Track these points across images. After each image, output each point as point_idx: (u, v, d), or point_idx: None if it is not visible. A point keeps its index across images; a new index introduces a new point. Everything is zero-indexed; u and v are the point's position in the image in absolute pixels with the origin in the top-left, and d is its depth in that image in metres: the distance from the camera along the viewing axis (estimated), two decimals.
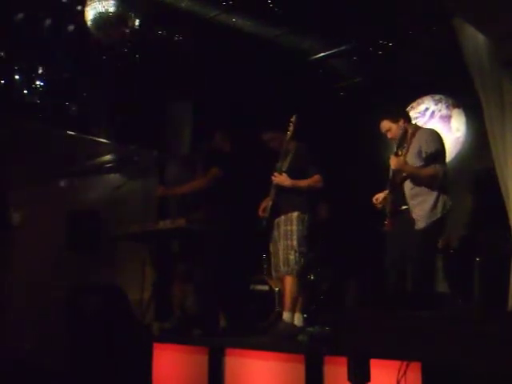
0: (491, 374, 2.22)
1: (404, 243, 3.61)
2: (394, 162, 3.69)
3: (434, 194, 3.59)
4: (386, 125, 3.86)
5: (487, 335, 2.25)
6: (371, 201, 3.97)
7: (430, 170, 3.61)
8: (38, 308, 5.00)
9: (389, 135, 3.86)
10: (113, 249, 5.43)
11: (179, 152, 5.72)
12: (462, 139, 5.29)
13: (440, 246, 3.84)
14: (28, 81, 5.00)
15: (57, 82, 5.11)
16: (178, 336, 4.02)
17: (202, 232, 4.13)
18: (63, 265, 5.36)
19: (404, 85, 5.42)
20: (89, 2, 3.75)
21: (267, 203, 4.07)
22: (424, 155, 3.62)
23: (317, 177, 3.93)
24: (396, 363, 2.67)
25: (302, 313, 3.93)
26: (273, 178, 3.98)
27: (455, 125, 5.36)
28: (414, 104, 5.63)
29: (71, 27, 4.36)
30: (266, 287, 4.60)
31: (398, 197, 3.71)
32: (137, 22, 3.97)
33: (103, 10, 3.76)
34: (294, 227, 3.83)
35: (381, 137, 3.96)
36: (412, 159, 3.69)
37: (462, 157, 5.20)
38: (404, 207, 3.68)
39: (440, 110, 5.48)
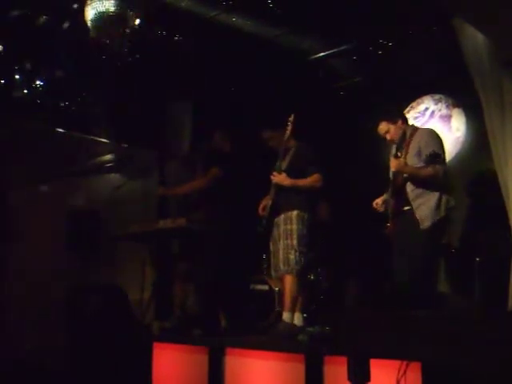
0: (491, 373, 2.22)
1: (409, 243, 3.62)
2: (394, 164, 3.70)
3: (437, 194, 3.61)
4: (384, 127, 3.87)
5: (487, 335, 2.25)
6: (371, 201, 3.97)
7: (430, 170, 3.61)
8: (37, 308, 5.00)
9: (388, 137, 3.87)
10: (113, 249, 5.43)
11: (179, 152, 5.72)
12: (461, 139, 5.29)
13: (444, 243, 3.84)
14: (28, 81, 5.00)
15: (57, 82, 5.11)
16: (178, 335, 4.02)
17: (202, 232, 4.13)
18: (63, 265, 5.36)
19: (404, 84, 5.42)
20: (89, 2, 3.75)
21: (267, 202, 4.07)
22: (424, 155, 3.62)
23: (316, 176, 3.92)
24: (396, 363, 2.67)
25: (302, 312, 3.93)
26: (272, 177, 3.98)
27: (455, 124, 5.36)
28: (413, 104, 5.63)
29: (71, 27, 4.36)
30: (266, 287, 4.60)
31: (400, 198, 3.71)
32: (137, 22, 3.97)
33: (103, 10, 3.75)
34: (294, 226, 3.83)
35: (381, 136, 3.96)
36: (412, 160, 3.69)
37: (461, 157, 5.20)
38: (407, 208, 3.68)
39: (440, 110, 5.48)
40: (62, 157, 5.62)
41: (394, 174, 3.79)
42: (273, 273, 4.10)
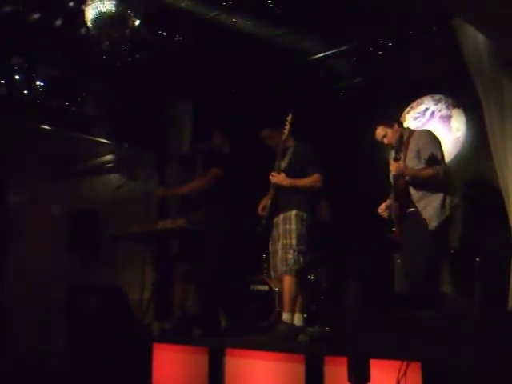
0: (491, 373, 2.22)
1: (415, 244, 3.62)
2: (394, 167, 3.71)
3: (441, 194, 3.63)
4: (381, 131, 3.89)
5: (487, 335, 2.25)
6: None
7: (431, 170, 3.63)
8: (38, 308, 5.00)
9: (385, 141, 3.88)
10: (113, 249, 5.43)
11: (179, 152, 5.72)
12: (462, 139, 5.29)
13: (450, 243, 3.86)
14: (28, 81, 5.00)
15: (57, 82, 5.11)
16: (178, 336, 4.02)
17: (202, 232, 4.13)
18: (63, 265, 5.36)
19: (404, 85, 5.42)
20: (89, 2, 3.75)
21: (266, 202, 4.07)
22: (423, 157, 3.64)
23: (316, 176, 3.92)
24: (396, 363, 2.67)
25: (302, 313, 3.92)
26: (271, 177, 3.98)
27: (455, 125, 5.36)
28: (413, 104, 5.63)
29: (71, 27, 4.36)
30: (266, 287, 4.60)
31: (404, 201, 3.72)
32: (137, 22, 3.97)
33: (104, 10, 3.75)
34: (293, 226, 3.82)
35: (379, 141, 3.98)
36: (411, 162, 3.71)
37: (462, 157, 5.20)
38: (411, 209, 3.69)
39: (440, 110, 5.48)
40: (62, 157, 5.63)
41: (395, 177, 3.80)
42: (272, 273, 4.10)
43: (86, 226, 5.66)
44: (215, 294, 4.30)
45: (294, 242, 3.79)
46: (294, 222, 3.83)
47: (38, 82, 5.03)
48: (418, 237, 3.62)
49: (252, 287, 4.69)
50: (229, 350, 3.58)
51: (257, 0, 4.40)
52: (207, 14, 4.50)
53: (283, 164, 4.02)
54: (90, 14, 3.78)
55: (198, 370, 3.70)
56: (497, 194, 3.94)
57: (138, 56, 4.90)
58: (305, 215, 3.87)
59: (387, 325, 2.72)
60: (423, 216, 3.60)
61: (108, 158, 6.10)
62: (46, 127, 5.24)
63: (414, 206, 3.66)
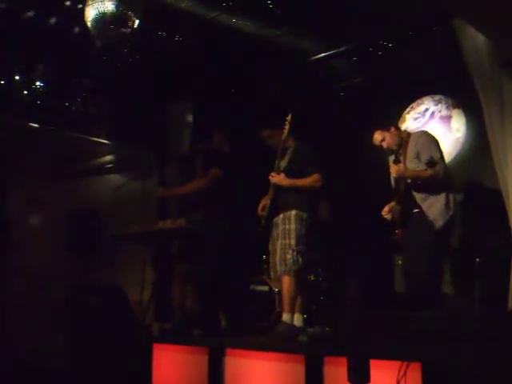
0: (491, 373, 2.22)
1: (419, 244, 3.63)
2: (394, 170, 3.74)
3: (444, 193, 3.65)
4: (379, 136, 3.93)
5: (487, 335, 2.25)
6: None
7: (431, 171, 3.64)
8: (38, 308, 5.00)
9: (384, 145, 3.91)
10: (113, 249, 5.43)
11: (179, 152, 5.72)
12: (461, 139, 5.30)
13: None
14: (28, 81, 5.00)
15: (57, 83, 5.11)
16: (178, 336, 4.02)
17: (202, 232, 4.13)
18: (63, 265, 5.36)
19: (404, 85, 5.42)
20: (90, 2, 3.74)
21: (266, 202, 4.07)
22: (422, 158, 3.67)
23: (316, 176, 3.92)
24: (396, 364, 2.67)
25: (302, 313, 3.92)
26: (270, 177, 3.98)
27: (455, 125, 5.36)
28: (413, 104, 5.63)
29: (71, 27, 4.36)
30: (266, 288, 4.60)
31: (407, 203, 3.73)
32: (137, 23, 3.97)
33: (104, 10, 3.75)
34: (292, 226, 3.82)
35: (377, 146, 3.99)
36: (411, 164, 3.74)
37: (462, 157, 5.20)
38: (415, 210, 3.70)
39: (440, 111, 5.48)
40: (62, 157, 5.63)
41: (396, 179, 3.82)
42: (272, 273, 4.10)
43: (86, 226, 5.65)
44: (215, 294, 4.30)
45: (292, 242, 3.79)
46: (293, 221, 3.83)
47: (38, 83, 5.03)
48: (422, 237, 3.63)
49: (252, 287, 4.69)
50: (229, 351, 3.58)
51: (257, 0, 4.40)
52: (207, 14, 4.50)
53: (283, 164, 4.01)
54: (90, 14, 3.77)
55: (197, 370, 3.70)
56: (497, 194, 3.95)
57: (138, 56, 4.90)
58: (304, 215, 3.87)
59: (387, 325, 2.72)
60: (428, 216, 3.62)
61: (108, 158, 6.10)
62: (46, 127, 5.24)
63: (419, 207, 3.67)
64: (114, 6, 3.77)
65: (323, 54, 5.15)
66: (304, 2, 4.28)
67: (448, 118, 5.42)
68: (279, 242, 3.87)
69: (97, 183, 6.07)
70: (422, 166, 3.65)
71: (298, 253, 3.78)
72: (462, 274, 4.10)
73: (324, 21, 4.50)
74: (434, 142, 3.79)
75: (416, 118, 5.58)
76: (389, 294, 4.64)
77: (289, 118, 3.93)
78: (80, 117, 5.37)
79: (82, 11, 3.85)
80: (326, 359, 3.09)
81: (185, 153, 5.58)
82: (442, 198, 3.64)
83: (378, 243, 4.99)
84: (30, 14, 4.25)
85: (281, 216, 3.92)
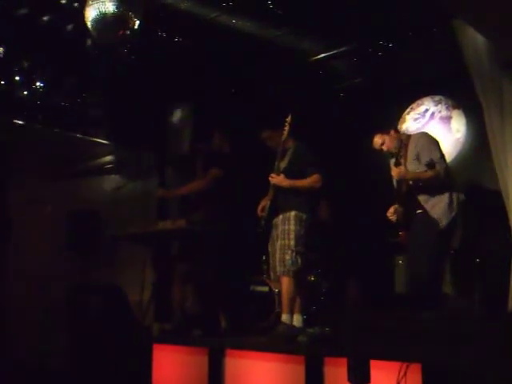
0: (491, 374, 2.22)
1: (422, 244, 3.63)
2: (395, 173, 3.75)
3: (446, 193, 3.67)
4: (378, 139, 3.94)
5: (487, 335, 2.25)
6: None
7: (431, 172, 3.65)
8: (38, 308, 5.00)
9: (384, 148, 3.92)
10: (113, 249, 5.43)
11: (179, 153, 5.72)
12: (462, 140, 5.30)
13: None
14: (28, 82, 5.00)
15: (57, 83, 5.11)
16: (177, 337, 4.02)
17: (201, 233, 4.13)
18: (63, 265, 5.36)
19: (404, 86, 5.43)
20: (90, 2, 3.74)
21: (266, 202, 4.07)
22: (423, 159, 3.68)
23: (316, 176, 3.92)
24: (396, 364, 2.67)
25: (302, 314, 3.91)
26: (270, 178, 3.98)
27: (455, 126, 5.37)
28: (413, 105, 5.63)
29: (71, 27, 4.36)
30: (265, 288, 4.60)
31: (409, 204, 3.74)
32: (137, 23, 3.97)
33: (104, 11, 3.75)
34: (292, 227, 3.82)
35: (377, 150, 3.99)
36: (411, 165, 3.75)
37: (462, 158, 5.20)
38: (419, 211, 3.70)
39: (440, 111, 5.49)
40: (62, 157, 5.63)
41: (398, 182, 3.83)
42: (272, 274, 4.09)
43: (86, 226, 5.66)
44: (215, 294, 4.29)
45: (292, 242, 3.79)
46: (292, 222, 3.83)
47: (38, 84, 5.03)
48: (426, 238, 3.64)
49: (252, 288, 4.69)
50: (229, 351, 3.58)
51: (257, 1, 4.40)
52: (207, 14, 4.50)
53: (283, 165, 4.01)
54: (90, 14, 3.77)
55: (197, 370, 3.70)
56: (497, 194, 3.95)
57: (138, 56, 4.90)
58: (304, 216, 3.87)
59: (387, 325, 2.72)
60: (432, 216, 3.63)
61: (108, 158, 6.10)
62: (46, 128, 5.25)
63: (422, 208, 3.68)
64: (114, 6, 3.76)
65: (323, 55, 5.14)
66: (304, 3, 4.28)
67: (448, 119, 5.42)
68: (279, 242, 3.86)
69: (97, 183, 6.07)
70: (423, 168, 3.66)
71: (297, 253, 3.78)
72: (463, 275, 4.10)
73: (324, 21, 4.50)
74: (434, 143, 3.81)
75: (416, 119, 5.58)
76: (389, 295, 4.64)
77: (288, 119, 3.93)
78: (80, 117, 5.37)
79: (82, 11, 3.84)
80: (326, 360, 3.09)
81: (185, 153, 5.58)
82: (445, 197, 3.65)
83: (378, 243, 5.00)
84: (30, 14, 4.25)
85: (280, 217, 3.92)
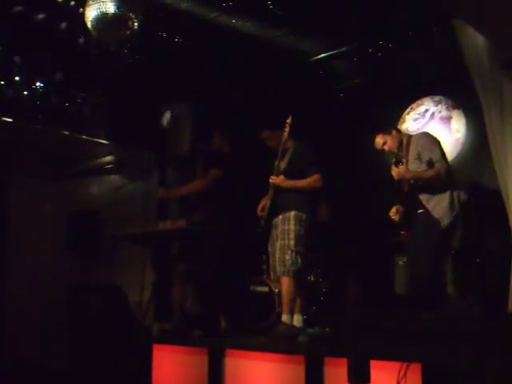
0: (491, 374, 2.22)
1: (424, 244, 3.63)
2: (395, 173, 3.76)
3: (448, 192, 3.67)
4: (380, 139, 3.95)
5: (487, 335, 2.25)
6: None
7: (432, 171, 3.66)
8: (38, 308, 5.00)
9: (386, 148, 3.93)
10: (113, 249, 5.43)
11: (179, 153, 5.72)
12: (461, 140, 5.30)
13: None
14: (28, 82, 5.00)
15: (57, 83, 5.11)
16: (177, 337, 4.02)
17: (201, 233, 4.13)
18: (63, 265, 5.36)
19: (404, 86, 5.43)
20: (90, 2, 3.74)
21: (266, 202, 4.07)
22: (423, 159, 3.69)
23: (316, 176, 3.92)
24: (396, 364, 2.67)
25: (302, 314, 3.92)
26: (270, 180, 3.97)
27: (455, 126, 5.37)
28: (413, 105, 5.63)
29: (71, 27, 4.36)
30: (265, 288, 4.60)
31: (411, 204, 3.74)
32: (137, 23, 3.97)
33: (104, 11, 3.75)
34: (292, 227, 3.82)
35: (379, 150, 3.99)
36: (413, 165, 3.76)
37: (462, 158, 5.20)
38: (420, 211, 3.71)
39: (440, 112, 5.49)
40: (62, 157, 5.63)
41: (399, 181, 3.83)
42: (272, 274, 4.10)
43: (86, 226, 5.66)
44: (215, 294, 4.29)
45: (291, 242, 3.79)
46: (292, 222, 3.83)
47: (37, 83, 5.03)
48: (427, 237, 3.64)
49: (252, 288, 4.69)
50: (229, 351, 3.58)
51: (257, 1, 4.40)
52: (207, 15, 4.50)
53: (283, 165, 4.01)
54: (91, 14, 3.77)
55: (197, 370, 3.70)
56: (497, 194, 3.95)
57: (138, 57, 4.90)
58: (304, 216, 3.87)
59: (387, 326, 2.72)
60: (434, 216, 3.63)
61: (108, 158, 6.10)
62: (46, 128, 5.25)
63: (424, 208, 3.68)
64: (114, 6, 3.77)
65: (323, 55, 5.14)
66: (304, 3, 4.28)
67: (448, 119, 5.42)
68: (278, 242, 3.86)
69: (97, 184, 6.07)
70: (424, 167, 3.67)
71: (296, 254, 3.78)
72: (463, 275, 4.10)
73: (324, 21, 4.50)
74: (434, 142, 3.81)
75: (416, 119, 5.58)
76: (389, 295, 4.64)
77: (289, 120, 3.93)
78: (80, 117, 5.37)
79: (83, 11, 3.84)
80: (326, 360, 3.09)
81: (185, 153, 5.59)
82: (446, 196, 3.66)
83: (378, 244, 5.00)
84: (30, 14, 4.25)
85: (280, 217, 3.92)
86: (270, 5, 4.36)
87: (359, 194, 5.33)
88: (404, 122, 5.63)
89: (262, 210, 4.10)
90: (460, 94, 5.15)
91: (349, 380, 2.81)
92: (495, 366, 2.19)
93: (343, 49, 5.03)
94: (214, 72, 5.15)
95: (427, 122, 5.52)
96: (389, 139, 3.91)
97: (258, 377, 3.43)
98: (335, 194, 4.85)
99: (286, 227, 3.84)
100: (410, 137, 3.94)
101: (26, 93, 5.01)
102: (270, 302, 4.43)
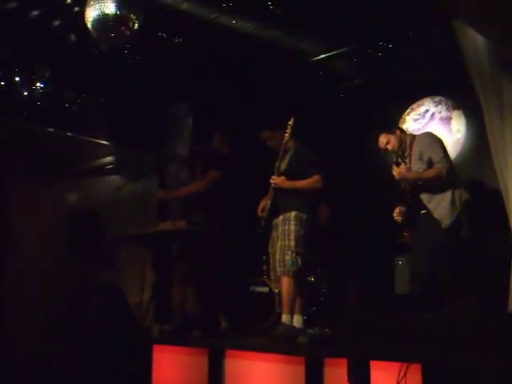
0: (491, 373, 2.22)
1: (429, 245, 3.63)
2: (396, 173, 3.76)
3: (449, 191, 3.67)
4: (383, 139, 3.95)
5: (487, 335, 2.25)
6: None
7: (432, 171, 3.66)
8: (37, 308, 5.00)
9: (389, 147, 3.93)
10: (113, 250, 5.43)
11: (179, 154, 5.72)
12: (462, 141, 5.29)
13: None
14: (28, 82, 5.01)
15: (57, 84, 5.11)
16: (177, 337, 4.02)
17: (201, 234, 4.13)
18: (63, 265, 5.36)
19: (404, 86, 5.43)
20: (91, 3, 3.75)
21: (266, 203, 4.07)
22: (425, 159, 3.70)
23: (316, 177, 3.92)
24: (396, 365, 2.66)
25: (302, 314, 3.91)
26: (271, 180, 3.97)
27: (455, 126, 5.36)
28: (414, 106, 5.63)
29: (72, 28, 4.36)
30: (266, 289, 4.60)
31: (413, 204, 3.74)
32: (137, 24, 3.97)
33: (105, 11, 3.75)
34: (292, 227, 3.82)
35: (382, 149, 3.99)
36: (415, 165, 3.77)
37: (462, 158, 5.20)
38: (422, 212, 3.71)
39: (440, 112, 5.48)
40: (63, 158, 5.64)
41: (401, 182, 3.84)
42: (272, 274, 4.09)
43: (86, 226, 5.67)
44: (215, 295, 4.30)
45: (292, 243, 3.79)
46: (292, 223, 3.83)
47: (38, 84, 5.04)
48: (430, 238, 3.64)
49: (252, 288, 4.69)
50: (229, 352, 3.58)
51: (257, 2, 4.41)
52: (207, 15, 4.51)
53: (283, 166, 4.01)
54: (91, 14, 3.78)
55: (197, 371, 3.70)
56: (497, 195, 3.95)
57: (138, 57, 4.90)
58: (304, 216, 3.87)
59: (387, 326, 2.72)
60: (435, 216, 3.62)
61: (108, 159, 6.11)
62: (47, 128, 5.25)
63: (426, 208, 3.68)
64: (115, 7, 3.77)
65: (323, 56, 5.15)
66: (304, 3, 4.28)
67: (448, 120, 5.42)
68: (279, 243, 3.86)
69: (97, 184, 6.07)
70: (425, 167, 3.67)
71: (297, 254, 3.78)
72: (463, 275, 4.10)
73: (324, 22, 4.50)
74: (437, 142, 3.81)
75: (416, 120, 5.58)
76: (389, 296, 4.63)
77: (291, 121, 3.93)
78: (80, 118, 5.38)
79: (83, 12, 3.85)
80: (326, 360, 3.09)
81: (184, 154, 5.59)
82: (447, 196, 3.66)
83: (377, 244, 4.99)
84: (31, 14, 4.26)
85: (280, 217, 3.92)
86: (270, 5, 4.36)
87: (360, 195, 5.32)
88: (404, 122, 5.63)
89: (263, 210, 4.10)
90: (460, 95, 5.15)
91: (349, 380, 2.81)
92: (495, 365, 2.19)
93: (343, 49, 5.03)
94: (214, 72, 5.15)
95: (427, 123, 5.52)
96: (392, 139, 3.91)
97: (257, 377, 3.43)
98: (335, 194, 4.84)
99: (287, 228, 3.84)
100: (413, 137, 3.94)
101: (26, 93, 5.01)
102: (270, 302, 4.43)
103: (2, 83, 4.87)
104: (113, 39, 3.99)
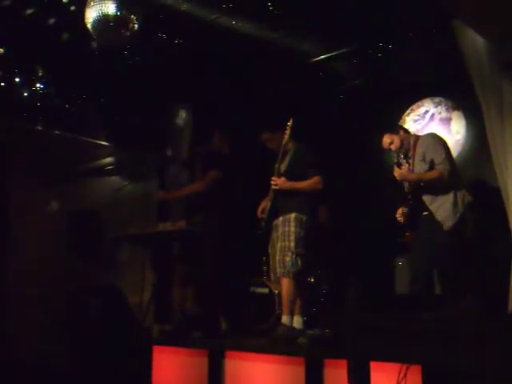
0: (491, 374, 2.22)
1: (432, 246, 3.63)
2: (397, 174, 3.76)
3: (451, 193, 3.67)
4: (387, 139, 3.95)
5: (487, 336, 2.25)
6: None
7: (434, 172, 3.66)
8: (37, 308, 5.00)
9: (392, 147, 3.93)
10: (113, 250, 5.43)
11: (179, 154, 5.73)
12: (461, 142, 5.30)
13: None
14: (28, 83, 5.01)
15: (57, 85, 5.11)
16: (177, 338, 4.01)
17: (201, 234, 4.13)
18: (63, 265, 5.36)
19: (404, 87, 5.43)
20: (91, 3, 3.75)
21: (266, 204, 4.07)
22: (428, 159, 3.70)
23: (316, 178, 3.92)
24: (396, 366, 2.66)
25: (302, 315, 3.91)
26: (271, 181, 3.97)
27: (455, 127, 5.37)
28: (413, 106, 5.63)
29: (72, 28, 4.36)
30: (266, 290, 4.60)
31: (415, 205, 3.74)
32: (137, 25, 3.97)
33: (105, 12, 3.76)
34: (292, 228, 3.82)
35: (385, 149, 3.99)
36: (418, 166, 3.78)
37: (461, 159, 5.20)
38: (425, 213, 3.71)
39: (440, 113, 5.49)
40: (63, 158, 5.63)
41: (403, 183, 3.84)
42: (272, 275, 4.09)
43: (87, 227, 5.67)
44: (215, 296, 4.29)
45: (292, 244, 3.79)
46: (292, 224, 3.83)
47: (38, 84, 5.04)
48: (431, 240, 3.63)
49: (252, 289, 4.69)
50: (229, 353, 3.58)
51: (257, 2, 4.41)
52: (207, 16, 4.51)
53: (283, 167, 4.01)
54: (91, 15, 3.78)
55: (197, 372, 3.70)
56: (497, 195, 3.95)
57: (138, 58, 4.91)
58: (304, 218, 3.87)
59: (387, 327, 2.72)
60: (437, 218, 3.62)
61: (108, 160, 6.11)
62: (47, 129, 5.25)
63: (428, 210, 3.68)
64: (115, 7, 3.77)
65: (323, 56, 5.15)
66: (304, 4, 4.28)
67: (448, 120, 5.42)
68: (279, 244, 3.86)
69: (97, 185, 6.07)
70: (428, 168, 3.67)
71: (297, 255, 3.78)
72: (463, 275, 4.10)
73: (324, 23, 4.51)
74: (439, 143, 3.81)
75: (416, 120, 5.59)
76: (389, 296, 4.63)
77: (290, 122, 3.93)
78: (80, 119, 5.38)
79: (83, 12, 3.85)
80: (326, 361, 3.09)
81: (184, 155, 5.59)
82: (449, 197, 3.65)
83: (378, 245, 4.99)
84: (31, 14, 4.26)
85: (280, 218, 3.92)
86: (270, 6, 4.37)
87: (359, 195, 5.32)
88: (404, 123, 5.63)
89: (263, 211, 4.10)
90: (460, 96, 5.15)
91: (349, 381, 2.81)
92: (495, 365, 2.19)
93: (343, 50, 5.03)
94: (214, 73, 5.16)
95: (427, 124, 5.53)
96: (396, 139, 3.91)
97: (257, 378, 3.43)
98: (336, 194, 4.85)
99: (287, 229, 3.84)
100: (417, 137, 3.94)
101: (26, 94, 5.01)
102: (270, 303, 4.43)
103: (2, 83, 4.87)
104: (113, 40, 4.00)
